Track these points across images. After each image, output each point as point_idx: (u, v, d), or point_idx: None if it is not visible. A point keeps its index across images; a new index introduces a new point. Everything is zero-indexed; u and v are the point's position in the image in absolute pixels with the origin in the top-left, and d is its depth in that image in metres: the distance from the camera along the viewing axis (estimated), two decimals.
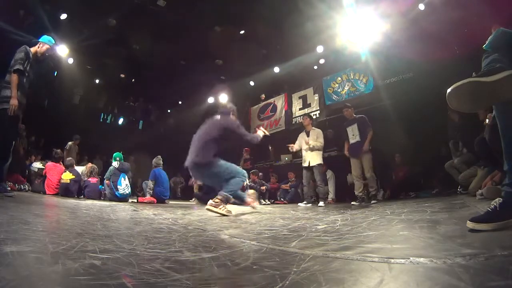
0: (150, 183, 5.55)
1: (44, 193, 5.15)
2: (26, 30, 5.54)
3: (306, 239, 1.41)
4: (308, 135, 5.18)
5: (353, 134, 4.84)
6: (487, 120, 3.00)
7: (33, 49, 3.22)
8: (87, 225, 1.78)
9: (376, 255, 0.97)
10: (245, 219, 2.59)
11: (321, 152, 5.10)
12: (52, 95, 9.08)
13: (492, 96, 1.25)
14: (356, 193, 4.73)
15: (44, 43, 3.28)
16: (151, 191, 5.49)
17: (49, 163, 5.56)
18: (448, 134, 4.69)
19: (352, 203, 4.61)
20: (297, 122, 8.46)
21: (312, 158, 5.02)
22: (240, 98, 10.44)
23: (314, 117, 7.97)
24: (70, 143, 6.83)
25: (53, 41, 3.37)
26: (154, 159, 5.91)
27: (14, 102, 2.88)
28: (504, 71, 1.21)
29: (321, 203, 4.84)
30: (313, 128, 5.26)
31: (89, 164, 5.83)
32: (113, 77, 9.84)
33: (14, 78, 2.94)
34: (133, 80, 10.49)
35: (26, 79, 3.09)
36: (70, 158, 5.67)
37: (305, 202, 5.02)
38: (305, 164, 5.06)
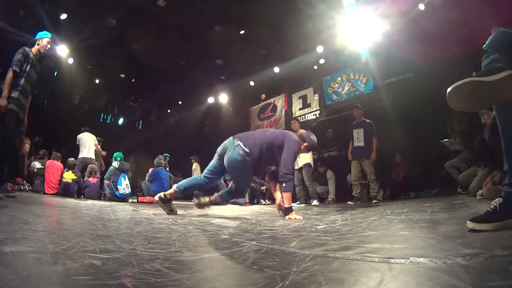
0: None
1: (44, 192, 5.15)
2: (26, 30, 5.54)
3: (306, 239, 1.41)
4: None
5: (357, 138, 4.88)
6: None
7: (34, 49, 3.12)
8: (87, 225, 1.78)
9: (376, 255, 0.97)
10: (245, 219, 2.59)
11: (309, 153, 5.03)
12: (52, 95, 9.08)
13: (492, 96, 1.25)
14: (353, 194, 4.83)
15: (42, 38, 3.18)
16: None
17: (48, 161, 5.56)
18: (448, 131, 4.67)
19: (348, 202, 4.71)
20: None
21: (300, 159, 5.04)
22: (240, 98, 10.46)
23: (314, 117, 8.01)
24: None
25: (50, 34, 3.26)
26: (156, 158, 5.90)
27: (3, 102, 2.74)
28: (504, 71, 1.21)
29: (315, 202, 5.05)
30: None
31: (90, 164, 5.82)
32: (113, 77, 9.84)
33: (8, 76, 2.83)
34: (133, 80, 10.49)
35: (26, 80, 2.98)
36: (72, 158, 5.66)
37: (297, 202, 5.05)
38: (295, 166, 5.07)
